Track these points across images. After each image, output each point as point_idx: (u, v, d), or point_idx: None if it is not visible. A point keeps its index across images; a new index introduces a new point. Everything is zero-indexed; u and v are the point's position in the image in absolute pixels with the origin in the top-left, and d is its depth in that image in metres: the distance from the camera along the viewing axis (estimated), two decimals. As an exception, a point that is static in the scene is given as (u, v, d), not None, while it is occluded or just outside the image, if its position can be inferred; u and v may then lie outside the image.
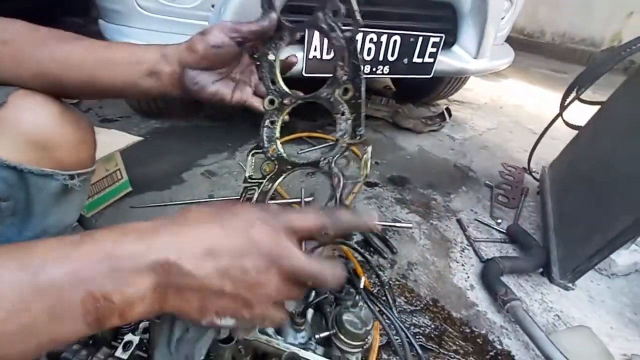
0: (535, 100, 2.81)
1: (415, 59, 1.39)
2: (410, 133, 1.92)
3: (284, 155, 0.55)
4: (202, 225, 0.30)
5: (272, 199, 1.20)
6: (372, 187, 1.39)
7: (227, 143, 1.59)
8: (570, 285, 0.92)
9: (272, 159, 0.55)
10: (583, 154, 1.25)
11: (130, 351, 0.51)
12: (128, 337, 0.52)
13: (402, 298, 0.91)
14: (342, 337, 0.58)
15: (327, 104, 0.50)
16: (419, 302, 0.91)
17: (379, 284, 0.92)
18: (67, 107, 0.51)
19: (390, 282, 0.95)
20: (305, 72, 1.22)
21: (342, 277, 0.32)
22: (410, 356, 0.67)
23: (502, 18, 1.53)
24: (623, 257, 1.03)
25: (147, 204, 1.15)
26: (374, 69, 1.35)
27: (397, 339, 0.74)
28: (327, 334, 0.60)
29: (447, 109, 1.99)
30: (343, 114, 0.50)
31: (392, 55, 1.34)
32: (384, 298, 0.87)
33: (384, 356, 0.75)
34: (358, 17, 0.44)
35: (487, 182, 1.50)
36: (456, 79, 2.05)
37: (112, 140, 1.02)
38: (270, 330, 0.61)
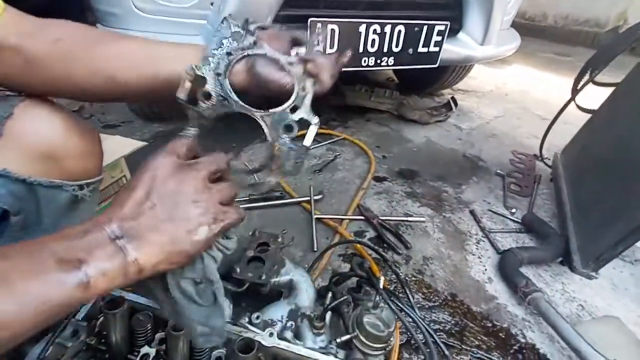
0: (541, 85, 2.75)
1: (421, 49, 1.35)
2: (416, 124, 1.89)
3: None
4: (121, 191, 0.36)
5: (279, 198, 1.18)
6: (381, 182, 1.36)
7: (232, 144, 1.57)
8: (593, 274, 0.89)
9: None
10: (598, 138, 1.21)
11: (148, 364, 0.49)
12: (144, 349, 0.50)
13: (420, 294, 0.89)
14: (364, 339, 0.56)
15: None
16: (437, 298, 0.89)
17: (396, 281, 0.90)
18: (73, 116, 0.50)
19: (407, 278, 0.93)
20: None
21: (226, 157, 0.41)
22: (437, 357, 0.65)
23: (509, 1, 1.48)
24: (645, 243, 0.99)
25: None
26: (378, 61, 1.31)
27: (420, 338, 0.72)
28: (348, 337, 0.58)
29: (453, 99, 1.95)
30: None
31: (397, 46, 1.30)
32: (401, 295, 0.85)
33: (405, 355, 0.73)
34: (307, 142, 0.45)
35: (498, 171, 1.46)
36: (461, 68, 2.00)
37: (117, 147, 1.00)
38: (289, 336, 0.59)
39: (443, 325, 0.82)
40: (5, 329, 0.26)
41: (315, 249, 0.98)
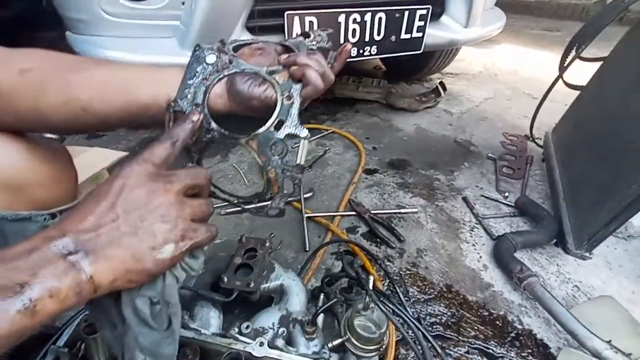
0: (531, 63, 2.72)
1: (403, 35, 1.32)
2: (406, 113, 1.86)
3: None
4: (83, 202, 0.33)
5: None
6: (372, 174, 1.35)
7: (219, 145, 1.54)
8: (587, 254, 0.89)
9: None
10: (588, 114, 1.19)
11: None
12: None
13: (415, 287, 0.88)
14: (356, 342, 0.55)
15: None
16: (432, 290, 0.88)
17: (388, 279, 0.89)
18: (37, 139, 0.47)
19: (401, 272, 0.92)
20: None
21: (206, 172, 0.38)
22: (430, 356, 0.64)
23: (491, -20, 1.45)
24: (639, 218, 0.99)
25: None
26: (360, 51, 1.28)
27: (412, 337, 0.71)
28: (341, 341, 0.57)
29: (441, 83, 1.92)
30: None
31: (379, 34, 1.27)
32: (392, 292, 0.84)
33: (402, 351, 0.73)
34: (301, 160, 0.43)
35: (489, 154, 1.45)
36: (448, 51, 1.97)
37: (96, 159, 0.98)
38: (281, 344, 0.58)
39: (439, 317, 0.81)
40: None
41: (307, 249, 0.97)
